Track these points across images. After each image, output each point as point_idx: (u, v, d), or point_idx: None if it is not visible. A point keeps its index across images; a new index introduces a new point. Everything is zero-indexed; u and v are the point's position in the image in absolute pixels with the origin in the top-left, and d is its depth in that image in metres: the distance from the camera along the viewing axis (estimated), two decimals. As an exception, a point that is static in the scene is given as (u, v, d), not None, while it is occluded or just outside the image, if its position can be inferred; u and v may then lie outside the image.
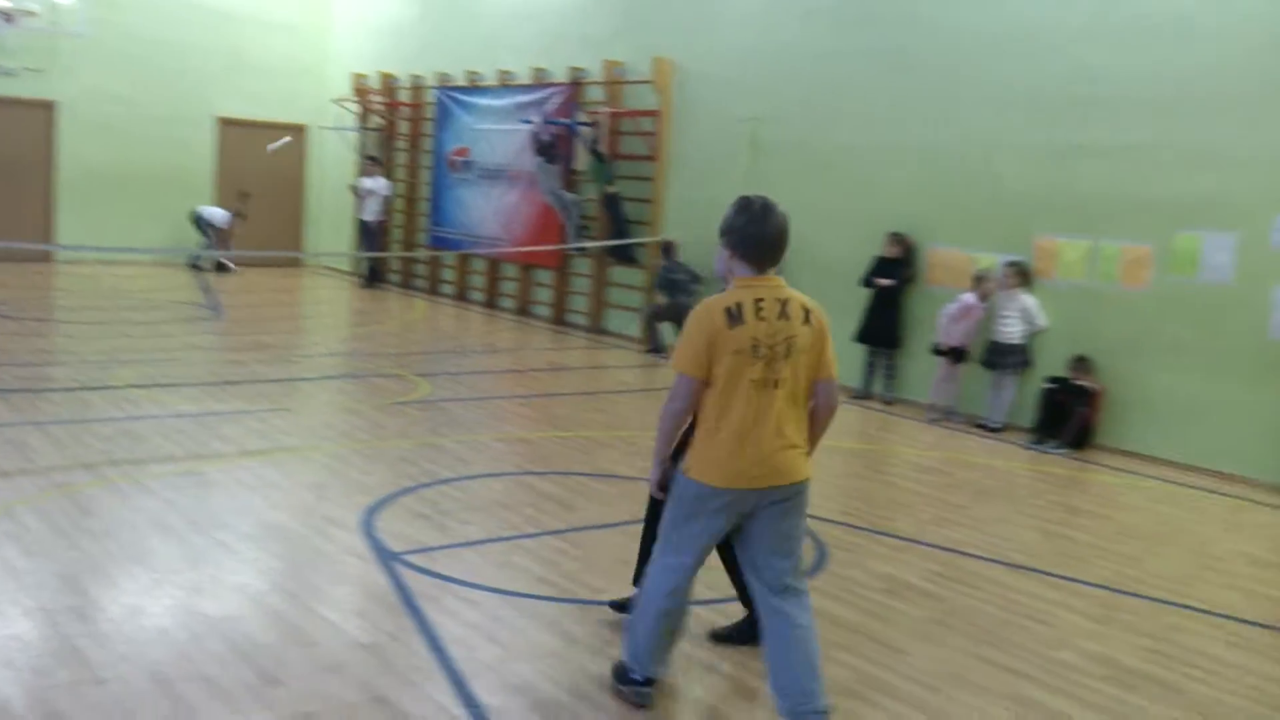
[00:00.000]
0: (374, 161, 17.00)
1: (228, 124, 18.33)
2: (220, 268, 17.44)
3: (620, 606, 4.59)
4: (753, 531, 3.76)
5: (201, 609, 4.56)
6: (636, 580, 4.40)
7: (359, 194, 16.85)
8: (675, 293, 11.90)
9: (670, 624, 3.91)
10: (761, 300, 3.61)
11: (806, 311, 3.69)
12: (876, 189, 10.68)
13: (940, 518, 6.72)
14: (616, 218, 13.05)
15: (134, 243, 16.27)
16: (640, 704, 3.93)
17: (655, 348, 12.35)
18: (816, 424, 3.81)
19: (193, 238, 17.28)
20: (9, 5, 15.50)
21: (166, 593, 4.70)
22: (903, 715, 4.04)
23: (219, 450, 7.03)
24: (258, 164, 18.70)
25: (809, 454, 3.80)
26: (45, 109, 16.85)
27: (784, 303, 3.64)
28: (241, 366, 9.81)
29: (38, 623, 4.31)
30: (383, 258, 16.84)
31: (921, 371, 10.21)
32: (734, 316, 3.58)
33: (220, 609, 4.58)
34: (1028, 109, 9.49)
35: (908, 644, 4.72)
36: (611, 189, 13.07)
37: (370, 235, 16.84)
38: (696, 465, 3.71)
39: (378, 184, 16.72)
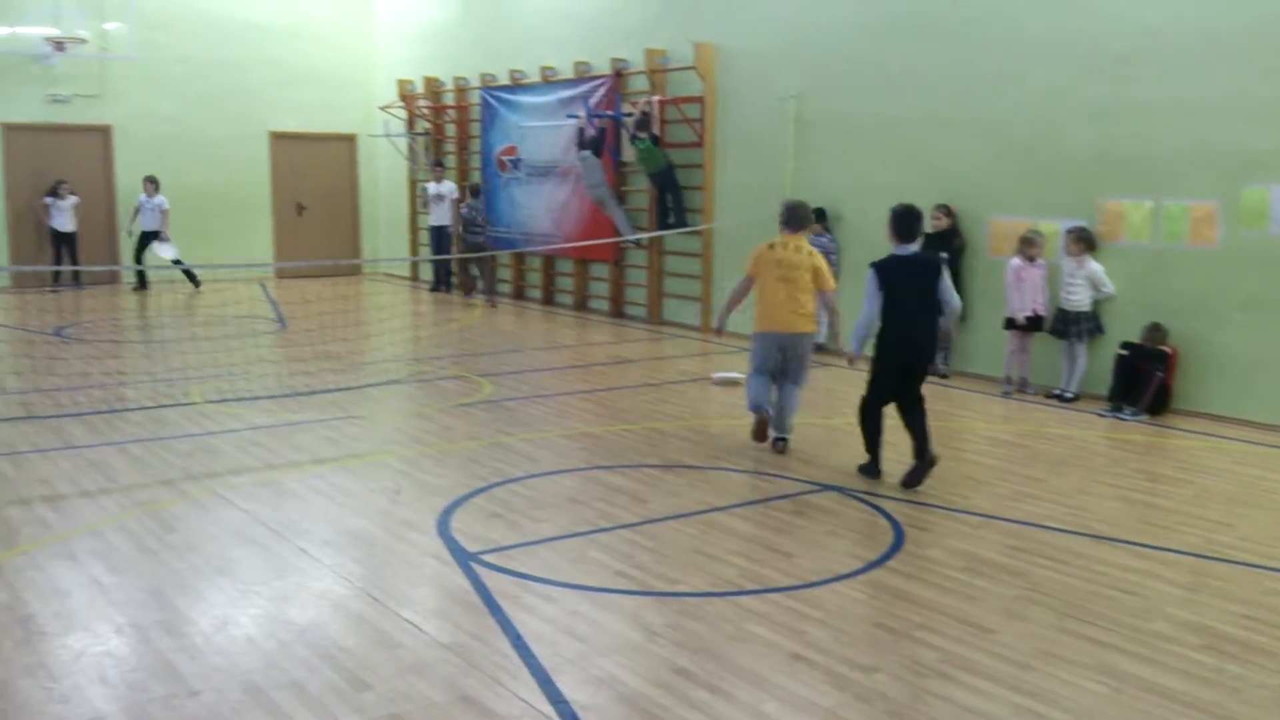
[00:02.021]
0: (440, 166, 17.04)
1: (279, 138, 18.58)
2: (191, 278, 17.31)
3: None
4: (784, 368, 7.34)
5: (287, 617, 4.63)
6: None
7: (427, 200, 16.91)
8: (469, 230, 15.55)
9: (754, 394, 7.41)
10: (786, 243, 7.30)
11: (809, 253, 7.27)
12: (928, 160, 10.53)
13: (1018, 492, 6.61)
14: (677, 193, 13.06)
15: (195, 260, 16.54)
16: (752, 436, 7.52)
17: (468, 290, 16.11)
18: (829, 311, 7.90)
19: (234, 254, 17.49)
20: (59, 34, 15.83)
21: (252, 602, 4.78)
22: (994, 694, 3.98)
23: (294, 459, 7.13)
24: (311, 176, 18.98)
25: (833, 326, 8.69)
26: (101, 134, 17.21)
27: (799, 247, 7.26)
28: (310, 376, 9.93)
29: (129, 638, 4.40)
30: (442, 261, 16.92)
31: (983, 344, 10.07)
32: (772, 247, 7.33)
33: (305, 616, 4.64)
34: (1080, 68, 9.29)
35: (993, 621, 4.65)
36: (663, 166, 13.03)
37: (441, 240, 16.85)
38: (755, 324, 7.40)
39: (445, 188, 16.73)
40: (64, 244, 16.59)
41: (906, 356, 6.62)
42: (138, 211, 16.74)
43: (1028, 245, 9.40)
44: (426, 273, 18.13)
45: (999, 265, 9.78)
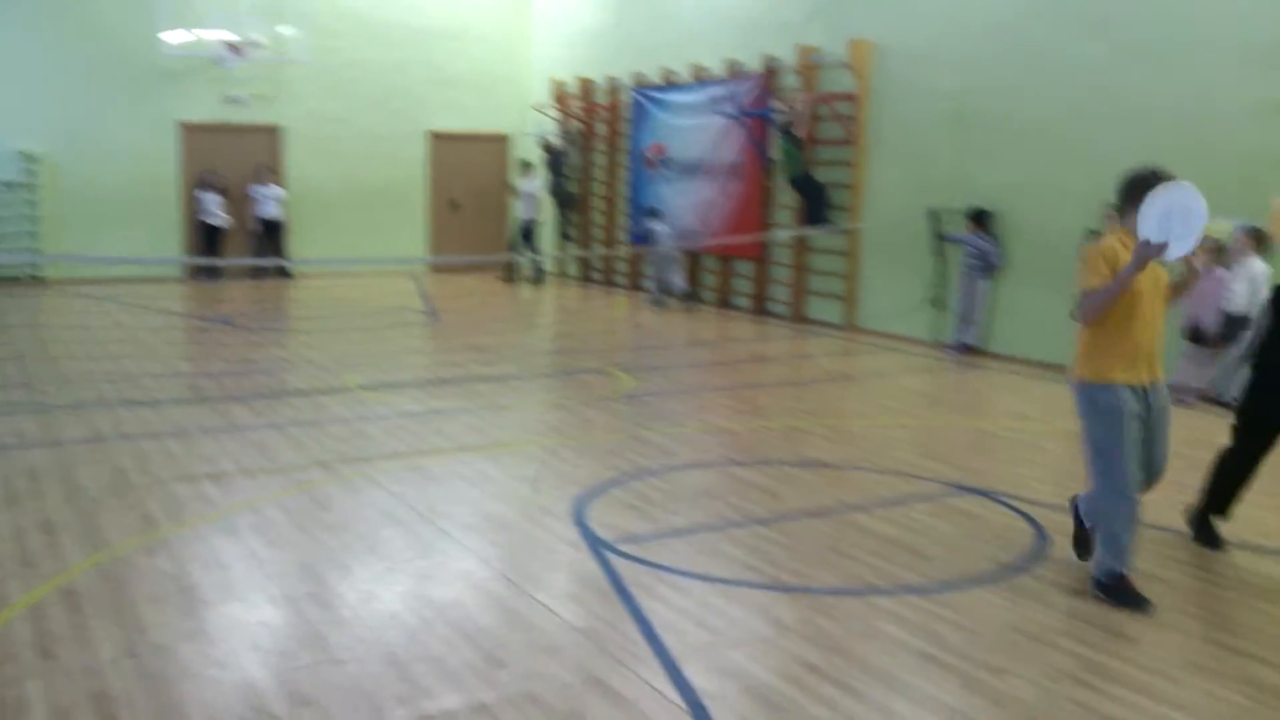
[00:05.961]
0: (528, 166, 17.85)
1: (437, 137, 19.18)
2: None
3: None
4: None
5: (429, 594, 4.81)
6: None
7: (518, 195, 17.75)
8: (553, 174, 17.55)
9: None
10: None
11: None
12: (1091, 157, 10.14)
13: (1172, 500, 6.34)
14: (814, 195, 12.95)
15: (355, 254, 17.24)
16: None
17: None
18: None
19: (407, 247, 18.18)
20: (237, 39, 16.72)
21: (397, 580, 4.98)
22: (1137, 704, 3.85)
23: (440, 446, 7.38)
24: (465, 174, 19.53)
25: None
26: (272, 134, 18.07)
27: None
28: (458, 367, 10.25)
29: (282, 609, 4.64)
30: (581, 256, 17.26)
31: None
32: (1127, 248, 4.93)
33: (446, 594, 4.81)
34: (1252, 59, 8.81)
35: (1138, 631, 4.48)
36: (800, 172, 12.95)
37: (524, 233, 17.65)
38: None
39: (532, 185, 17.53)
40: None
41: None
42: (253, 200, 17.64)
43: (1222, 254, 8.80)
44: (574, 269, 18.46)
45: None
